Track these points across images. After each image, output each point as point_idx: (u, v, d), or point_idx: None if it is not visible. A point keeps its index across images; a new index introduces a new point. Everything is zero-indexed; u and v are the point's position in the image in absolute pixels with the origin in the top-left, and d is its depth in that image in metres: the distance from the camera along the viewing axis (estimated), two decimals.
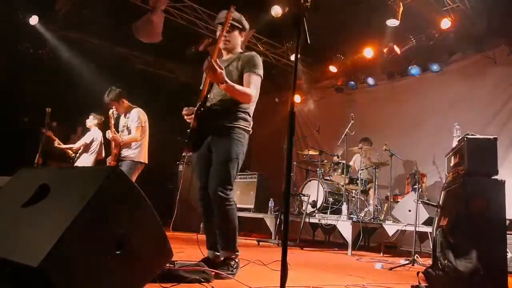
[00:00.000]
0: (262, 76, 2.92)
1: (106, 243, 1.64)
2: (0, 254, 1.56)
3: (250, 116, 2.95)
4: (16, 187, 2.02)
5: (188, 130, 2.85)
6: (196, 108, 2.81)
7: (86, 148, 6.22)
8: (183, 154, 7.93)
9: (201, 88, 2.96)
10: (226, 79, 2.65)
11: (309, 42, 1.80)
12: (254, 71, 2.86)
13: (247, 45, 7.52)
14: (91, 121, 6.33)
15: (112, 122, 4.66)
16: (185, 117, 2.89)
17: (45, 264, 1.41)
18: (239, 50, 3.05)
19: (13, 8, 6.69)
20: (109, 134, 4.66)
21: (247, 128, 2.90)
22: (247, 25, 3.05)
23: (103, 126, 6.14)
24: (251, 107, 2.95)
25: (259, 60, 2.93)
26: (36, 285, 1.48)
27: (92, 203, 1.58)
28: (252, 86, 2.83)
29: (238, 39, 3.02)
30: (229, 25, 2.83)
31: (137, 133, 4.70)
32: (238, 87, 2.77)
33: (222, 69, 2.63)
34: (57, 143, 6.33)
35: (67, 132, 7.37)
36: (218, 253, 2.86)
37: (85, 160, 6.16)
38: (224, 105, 2.83)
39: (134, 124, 4.72)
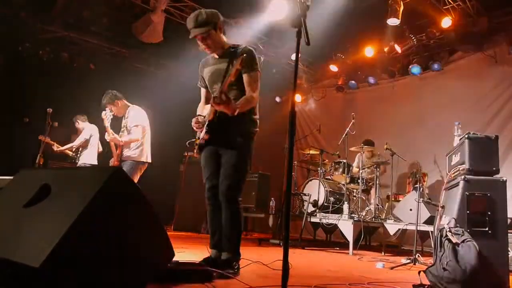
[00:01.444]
0: (260, 69, 2.91)
1: (108, 243, 1.64)
2: (2, 254, 1.56)
3: (257, 114, 2.98)
4: (17, 187, 2.02)
5: (198, 140, 2.91)
6: (206, 124, 2.84)
7: (86, 144, 6.21)
8: (184, 154, 7.93)
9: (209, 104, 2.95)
10: (236, 107, 2.69)
11: (309, 44, 1.79)
12: (254, 69, 2.86)
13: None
14: (79, 122, 6.34)
15: (107, 124, 4.58)
16: (195, 127, 2.92)
17: (46, 264, 1.41)
18: (227, 44, 2.98)
19: (13, 8, 6.68)
20: (108, 136, 4.63)
21: (253, 133, 2.94)
22: (219, 17, 2.89)
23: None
24: (256, 105, 2.98)
25: (255, 55, 2.90)
26: (37, 286, 1.48)
27: (93, 203, 1.58)
28: (254, 87, 2.85)
29: (218, 36, 2.88)
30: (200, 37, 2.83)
31: (137, 133, 4.64)
32: (245, 103, 2.78)
33: (231, 101, 2.67)
34: (56, 146, 6.24)
35: (68, 132, 7.36)
36: (220, 253, 2.87)
37: (87, 156, 6.14)
38: (233, 116, 2.80)
39: (132, 124, 4.65)
